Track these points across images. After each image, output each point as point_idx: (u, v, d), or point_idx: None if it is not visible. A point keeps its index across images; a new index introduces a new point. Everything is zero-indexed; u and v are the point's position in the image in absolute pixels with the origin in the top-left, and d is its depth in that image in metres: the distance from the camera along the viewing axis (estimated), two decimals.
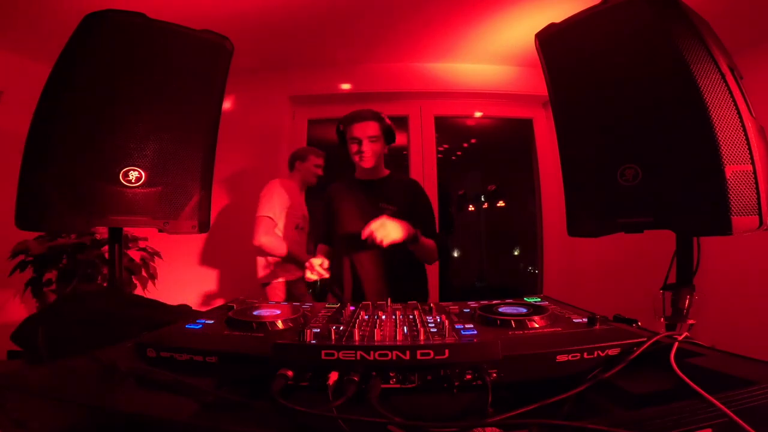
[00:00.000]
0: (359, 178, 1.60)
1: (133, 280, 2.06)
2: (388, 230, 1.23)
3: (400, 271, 1.48)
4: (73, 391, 0.48)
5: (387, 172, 1.60)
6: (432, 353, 0.43)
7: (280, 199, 2.09)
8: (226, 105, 1.01)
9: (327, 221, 1.62)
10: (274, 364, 0.43)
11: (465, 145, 3.12)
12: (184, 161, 0.93)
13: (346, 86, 2.61)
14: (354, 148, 1.50)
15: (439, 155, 2.77)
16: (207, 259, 2.55)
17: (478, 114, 2.82)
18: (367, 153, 1.48)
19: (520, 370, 0.45)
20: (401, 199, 1.52)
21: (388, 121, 1.53)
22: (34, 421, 0.42)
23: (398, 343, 0.45)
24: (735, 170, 0.65)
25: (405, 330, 0.50)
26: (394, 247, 1.28)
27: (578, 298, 0.75)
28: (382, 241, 1.21)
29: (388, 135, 1.54)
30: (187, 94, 0.93)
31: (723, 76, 0.68)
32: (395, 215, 1.37)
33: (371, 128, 1.48)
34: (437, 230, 1.57)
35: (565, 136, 0.89)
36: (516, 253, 3.30)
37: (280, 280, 2.13)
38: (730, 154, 0.65)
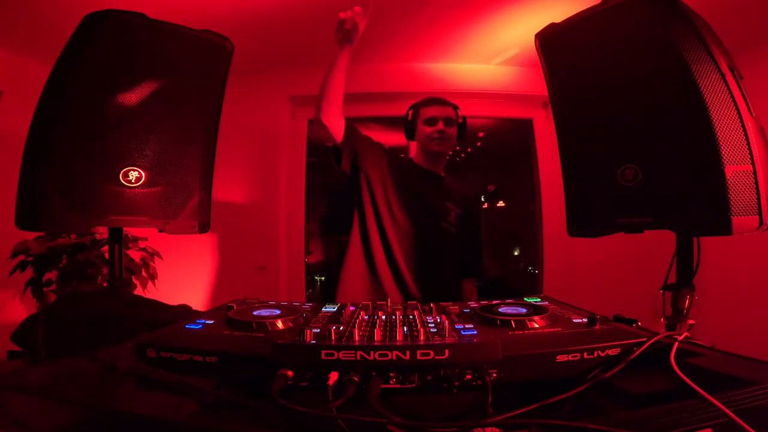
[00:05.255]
0: (420, 164, 1.45)
1: (133, 280, 2.05)
2: None
3: (448, 273, 1.38)
4: (73, 391, 0.48)
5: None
6: (432, 353, 0.43)
7: None
8: (226, 105, 1.01)
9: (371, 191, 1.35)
10: (274, 364, 0.43)
11: (468, 149, 3.13)
12: (184, 161, 0.93)
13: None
14: (428, 129, 1.38)
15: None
16: (207, 259, 2.55)
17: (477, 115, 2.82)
18: (446, 134, 1.37)
19: (520, 370, 0.45)
20: (462, 206, 1.42)
21: (461, 114, 1.43)
22: (34, 421, 0.42)
23: (398, 343, 0.45)
24: (735, 170, 0.65)
25: (405, 330, 0.50)
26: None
27: (578, 298, 0.75)
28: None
29: (461, 129, 1.43)
30: (187, 94, 0.93)
31: (723, 76, 0.68)
32: (457, 219, 1.33)
33: (449, 111, 1.40)
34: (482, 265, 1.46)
35: (565, 136, 0.89)
36: (516, 253, 3.30)
37: None
38: (730, 154, 0.65)
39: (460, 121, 1.43)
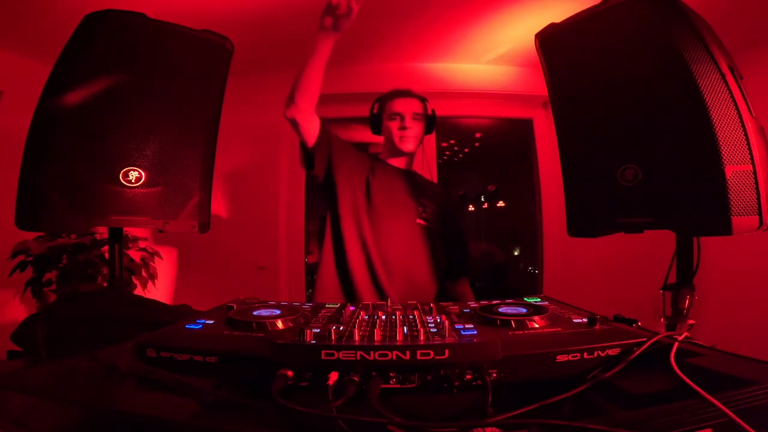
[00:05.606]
0: (390, 162, 1.36)
1: (133, 280, 2.06)
2: None
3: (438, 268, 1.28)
4: (73, 391, 0.48)
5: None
6: (432, 353, 0.43)
7: None
8: (226, 105, 1.01)
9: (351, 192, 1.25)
10: (273, 364, 0.43)
11: (467, 150, 3.13)
12: (184, 161, 0.93)
13: (346, 86, 2.60)
14: (395, 125, 1.29)
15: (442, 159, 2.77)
16: (207, 259, 2.55)
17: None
18: (412, 131, 1.28)
19: (520, 370, 0.45)
20: (436, 201, 1.34)
21: (430, 107, 1.35)
22: (34, 421, 0.42)
23: (398, 343, 0.45)
24: (735, 170, 0.65)
25: (405, 330, 0.50)
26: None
27: (578, 298, 0.75)
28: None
29: (429, 122, 1.34)
30: (187, 94, 0.93)
31: (723, 76, 0.68)
32: (433, 215, 1.25)
33: (415, 105, 1.31)
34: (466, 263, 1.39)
35: (565, 136, 0.89)
36: (516, 253, 3.30)
37: None
38: (730, 154, 0.65)
39: (429, 113, 1.35)
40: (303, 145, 1.21)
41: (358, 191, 1.25)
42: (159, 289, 2.12)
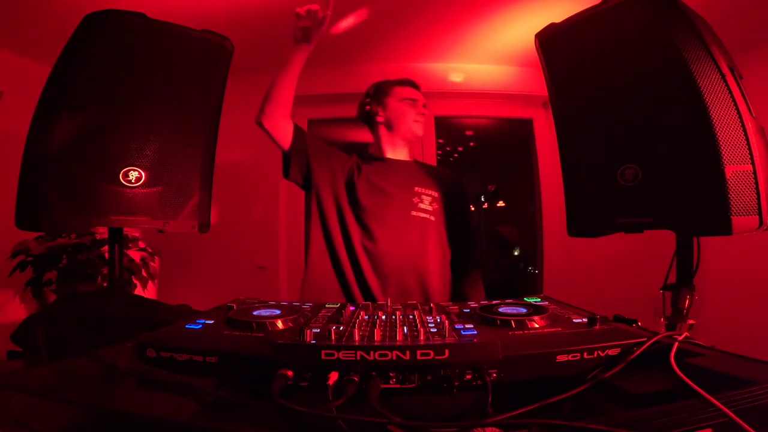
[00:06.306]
0: (382, 155, 1.30)
1: (133, 280, 2.06)
2: None
3: (433, 267, 1.21)
4: (73, 391, 0.48)
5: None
6: (432, 353, 0.43)
7: None
8: (226, 105, 1.01)
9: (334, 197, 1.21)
10: (273, 364, 0.43)
11: (460, 148, 3.12)
12: (184, 161, 0.93)
13: (345, 86, 2.60)
14: (410, 109, 1.26)
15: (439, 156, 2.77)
16: (207, 259, 2.55)
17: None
18: (425, 117, 1.26)
19: (520, 370, 0.45)
20: (440, 188, 1.27)
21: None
22: (34, 421, 0.42)
23: (398, 343, 0.45)
24: (735, 170, 0.65)
25: (405, 330, 0.50)
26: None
27: (578, 298, 0.75)
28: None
29: None
30: (187, 94, 0.94)
31: (723, 76, 0.68)
32: (434, 204, 1.20)
33: (421, 95, 1.30)
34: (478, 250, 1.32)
35: (564, 136, 0.89)
36: (516, 253, 3.30)
37: None
38: (730, 154, 0.65)
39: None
40: (281, 150, 1.21)
41: (341, 193, 1.22)
42: (159, 289, 2.12)
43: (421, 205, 1.23)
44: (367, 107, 1.33)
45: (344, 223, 1.19)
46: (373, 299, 1.13)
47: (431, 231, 1.22)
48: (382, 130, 1.32)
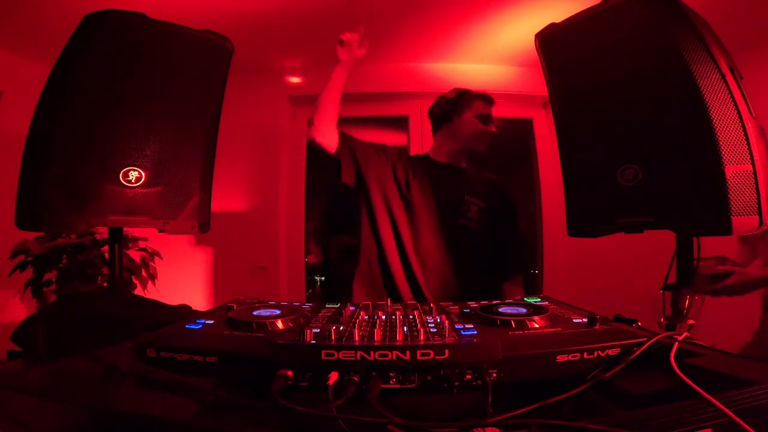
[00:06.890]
0: (441, 159, 1.37)
1: (133, 280, 2.06)
2: None
3: (472, 270, 1.28)
4: (73, 391, 0.48)
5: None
6: (432, 353, 0.43)
7: None
8: (226, 105, 1.01)
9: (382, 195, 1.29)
10: (273, 364, 0.43)
11: None
12: (184, 161, 0.93)
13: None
14: (481, 126, 1.32)
15: None
16: (207, 259, 2.55)
17: None
18: (492, 135, 1.31)
19: (520, 370, 0.45)
20: (488, 198, 1.34)
21: None
22: (34, 421, 0.42)
23: (398, 343, 0.45)
24: (735, 170, 0.65)
25: (405, 330, 0.50)
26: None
27: (578, 298, 0.75)
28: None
29: None
30: (187, 94, 0.93)
31: (723, 76, 0.68)
32: (480, 214, 1.25)
33: (492, 112, 1.36)
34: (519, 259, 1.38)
35: (564, 136, 0.89)
36: None
37: None
38: (730, 154, 0.65)
39: None
40: (330, 157, 1.28)
41: (392, 193, 1.29)
42: (159, 289, 2.12)
43: (469, 214, 1.31)
44: (445, 110, 1.39)
45: (395, 223, 1.28)
46: (422, 298, 1.21)
47: (474, 239, 1.30)
48: (448, 136, 1.38)
